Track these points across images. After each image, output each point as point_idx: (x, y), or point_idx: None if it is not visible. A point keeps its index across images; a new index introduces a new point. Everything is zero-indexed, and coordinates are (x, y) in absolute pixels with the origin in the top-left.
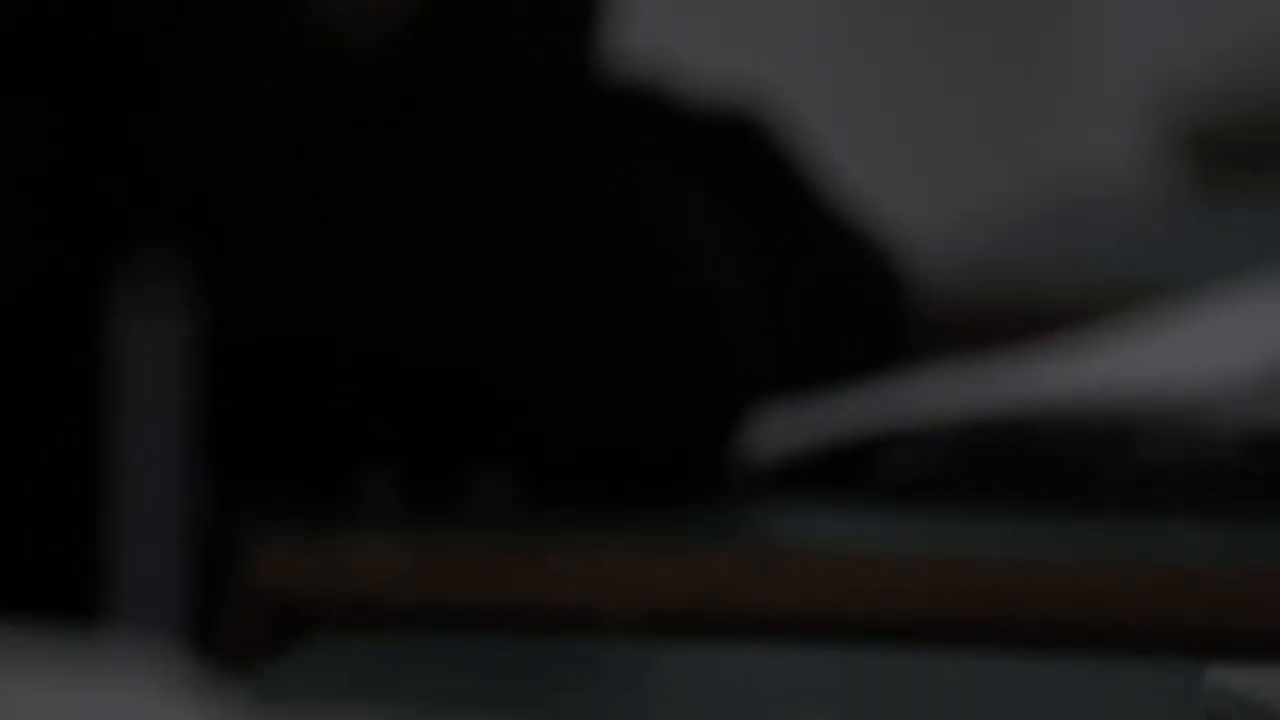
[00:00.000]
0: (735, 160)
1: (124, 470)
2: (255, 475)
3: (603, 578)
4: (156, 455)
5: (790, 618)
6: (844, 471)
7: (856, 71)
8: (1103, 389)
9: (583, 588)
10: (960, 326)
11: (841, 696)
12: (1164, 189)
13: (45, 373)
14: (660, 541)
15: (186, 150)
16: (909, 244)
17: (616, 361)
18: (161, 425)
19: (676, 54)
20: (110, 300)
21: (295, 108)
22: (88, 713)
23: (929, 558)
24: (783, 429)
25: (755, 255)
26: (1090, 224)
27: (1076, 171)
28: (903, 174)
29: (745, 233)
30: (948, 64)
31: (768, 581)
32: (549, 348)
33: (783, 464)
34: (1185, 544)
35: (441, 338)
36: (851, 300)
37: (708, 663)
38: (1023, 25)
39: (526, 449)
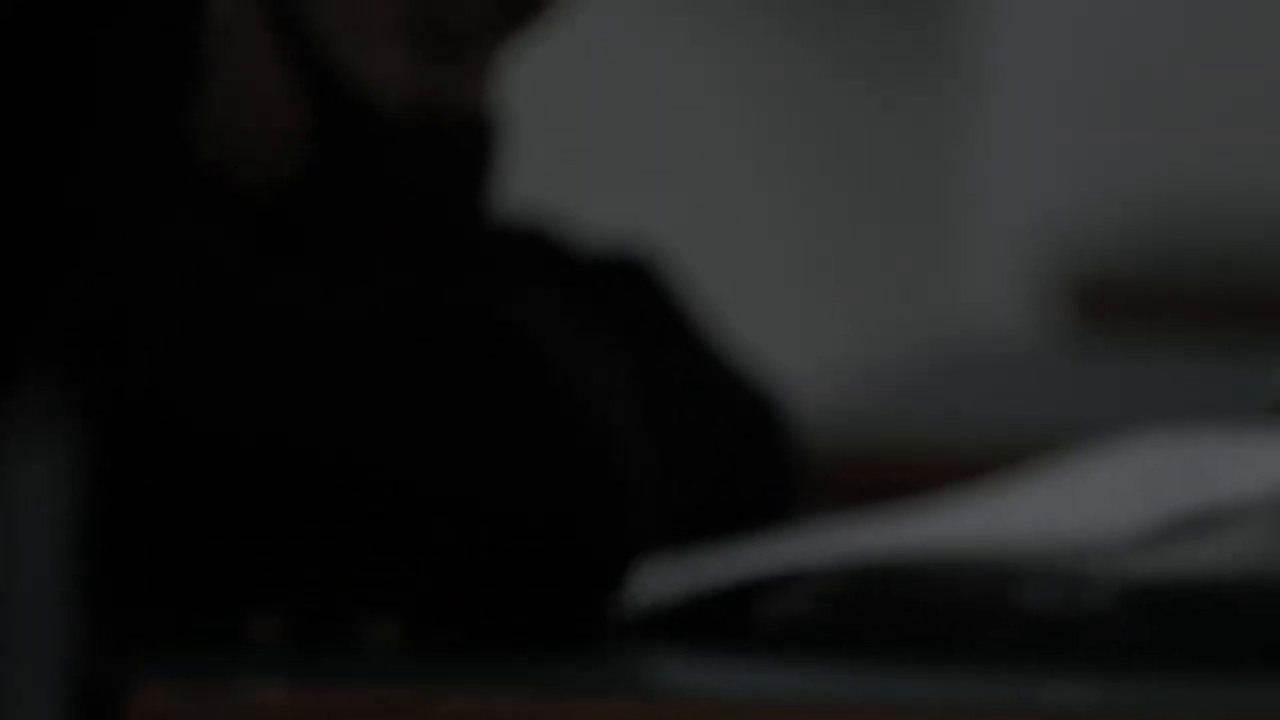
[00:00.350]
0: (622, 300)
1: (5, 613)
2: (143, 617)
3: None
4: (39, 597)
5: None
6: (726, 619)
7: (744, 218)
8: (981, 537)
9: None
10: (842, 475)
11: None
12: (1045, 336)
13: None
14: (551, 686)
15: (88, 281)
16: (793, 391)
17: (506, 503)
18: (45, 567)
19: (567, 196)
20: None
21: (193, 237)
22: None
23: (806, 705)
24: (666, 575)
25: (641, 398)
26: (972, 373)
27: (961, 320)
28: (787, 323)
29: (632, 374)
30: (834, 211)
31: None
32: (437, 489)
33: (667, 610)
34: (1061, 694)
35: (329, 480)
36: (735, 444)
37: None
38: (908, 177)
39: (415, 591)
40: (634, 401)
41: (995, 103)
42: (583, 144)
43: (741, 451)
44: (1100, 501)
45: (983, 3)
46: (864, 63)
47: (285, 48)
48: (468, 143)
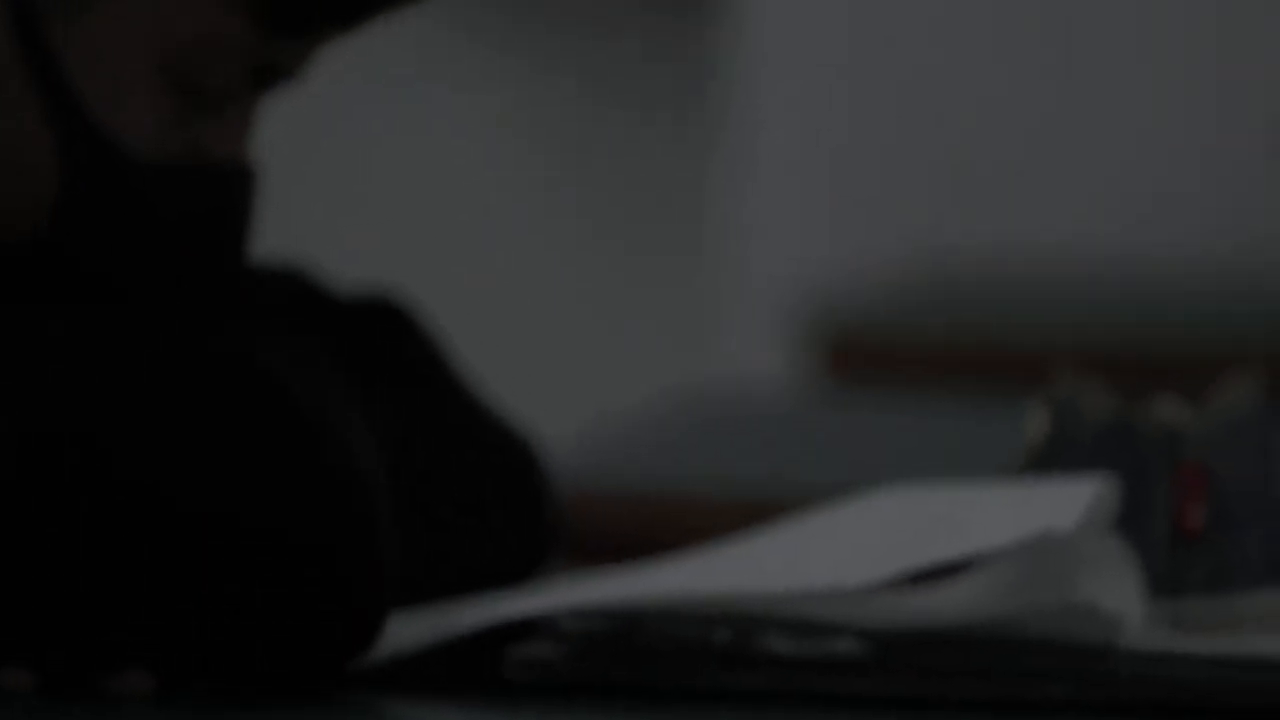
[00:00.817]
0: (378, 343)
1: None
2: None
3: None
4: None
5: None
6: (476, 666)
7: (502, 269)
8: (729, 584)
9: None
10: (595, 526)
11: None
12: (800, 389)
13: None
14: None
15: None
16: (548, 443)
17: (256, 553)
18: None
19: (320, 243)
20: None
21: None
22: None
23: None
24: (417, 623)
25: (396, 443)
26: (727, 426)
27: (717, 375)
28: (543, 375)
29: (387, 418)
30: (593, 269)
31: None
32: (187, 538)
33: (417, 658)
34: None
35: (79, 530)
36: (495, 491)
37: None
38: (667, 229)
39: (166, 643)
40: (385, 450)
41: (755, 161)
42: (334, 191)
43: (501, 498)
44: (846, 551)
45: (745, 60)
46: (626, 116)
47: (41, 98)
48: (224, 190)
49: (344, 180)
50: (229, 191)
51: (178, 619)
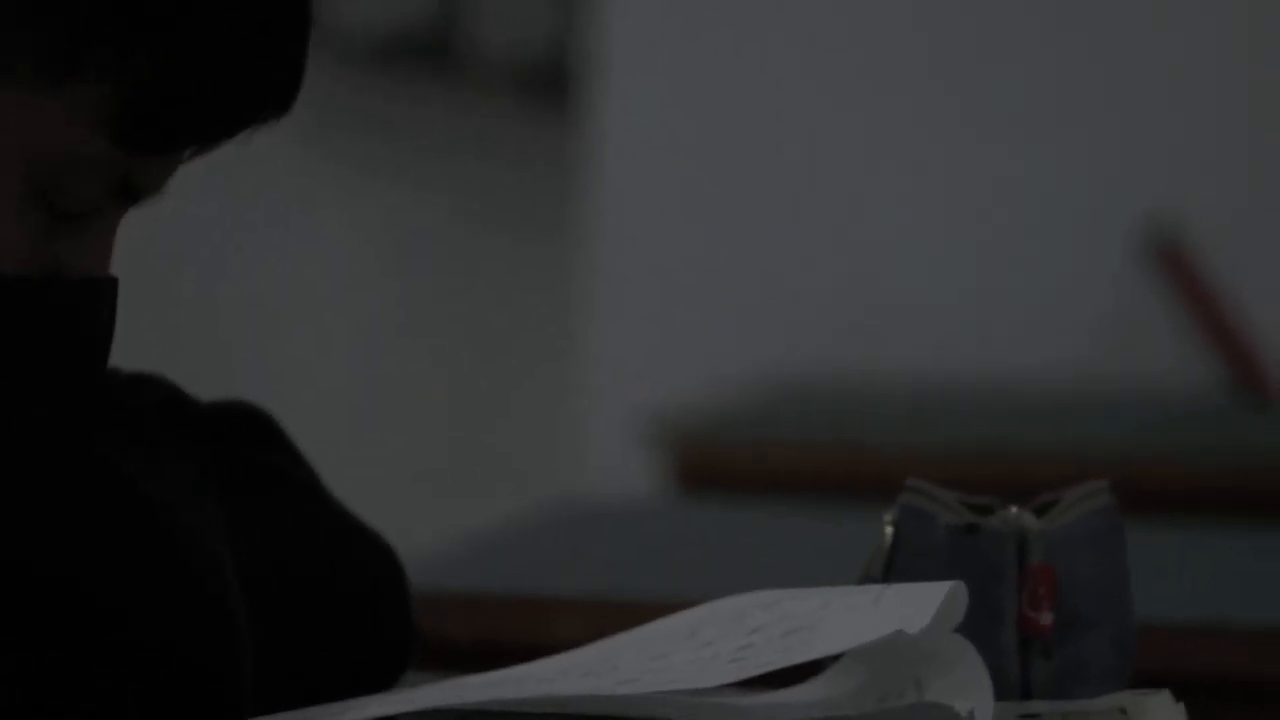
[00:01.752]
0: (240, 449)
1: None
2: None
3: None
4: None
5: None
6: None
7: (362, 377)
8: (580, 685)
9: None
10: (457, 630)
11: None
12: (658, 501)
13: None
14: None
15: None
16: (412, 556)
17: (116, 665)
18: None
19: (181, 357)
20: None
21: None
22: None
23: None
24: None
25: (263, 546)
26: (585, 535)
27: (576, 489)
28: (405, 496)
29: (254, 522)
30: (457, 387)
31: None
32: (55, 650)
33: None
34: None
35: None
36: (363, 594)
37: None
38: (526, 357)
39: None
40: (249, 555)
41: (615, 281)
42: (195, 306)
43: (366, 602)
44: (700, 653)
45: (604, 185)
46: (490, 239)
47: None
48: (82, 301)
49: (204, 295)
50: (89, 303)
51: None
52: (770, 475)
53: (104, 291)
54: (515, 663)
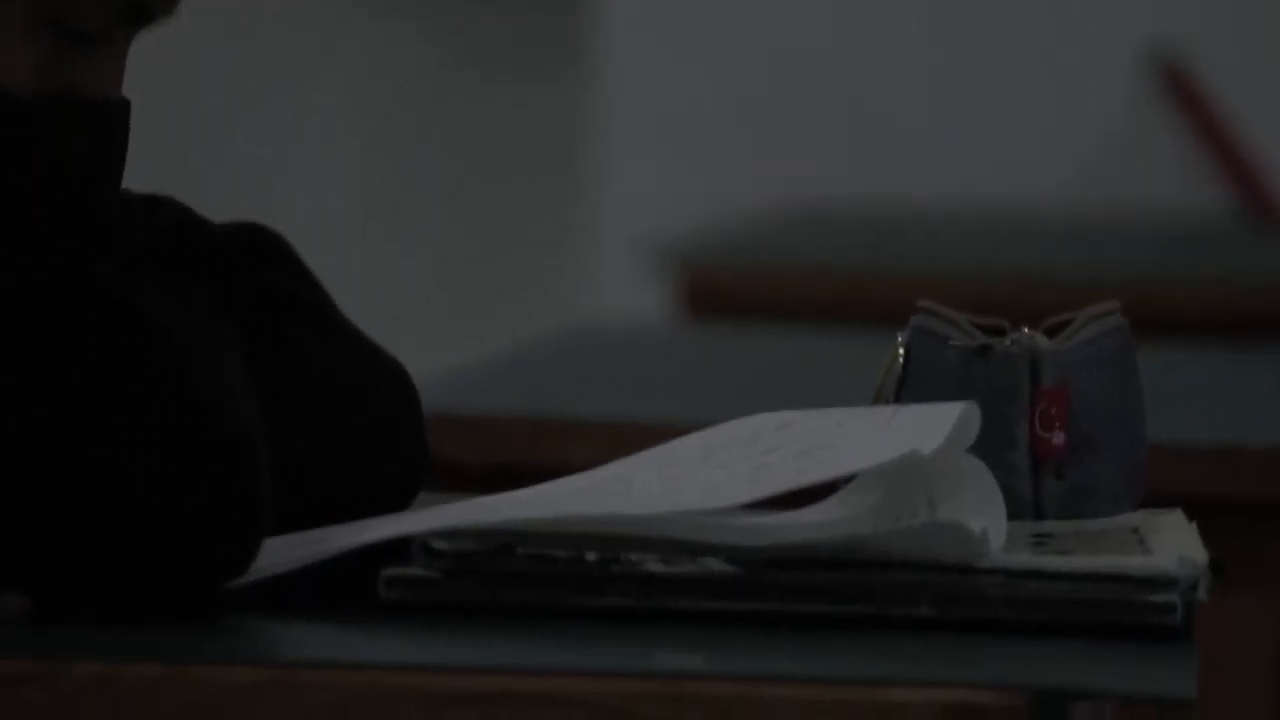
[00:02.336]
0: (254, 269)
1: None
2: None
3: (124, 694)
4: None
5: None
6: (347, 586)
7: (369, 212)
8: (598, 507)
9: (108, 702)
10: (465, 452)
11: None
12: (664, 328)
13: None
14: (176, 655)
15: None
16: (422, 382)
17: (132, 486)
18: None
19: (190, 190)
20: None
21: None
22: None
23: (413, 669)
24: (289, 546)
25: (278, 366)
26: (596, 360)
27: (586, 318)
28: (411, 317)
29: (268, 342)
30: (466, 222)
31: (280, 694)
32: (63, 472)
33: (288, 579)
34: (671, 660)
35: None
36: (379, 413)
37: None
38: (534, 176)
39: (42, 569)
40: (264, 375)
41: (621, 109)
42: (207, 133)
43: (380, 422)
44: (714, 474)
45: (611, 6)
46: (499, 71)
47: None
48: (95, 122)
49: (213, 121)
50: (102, 123)
51: (51, 544)
52: (779, 301)
53: (116, 112)
54: (528, 484)
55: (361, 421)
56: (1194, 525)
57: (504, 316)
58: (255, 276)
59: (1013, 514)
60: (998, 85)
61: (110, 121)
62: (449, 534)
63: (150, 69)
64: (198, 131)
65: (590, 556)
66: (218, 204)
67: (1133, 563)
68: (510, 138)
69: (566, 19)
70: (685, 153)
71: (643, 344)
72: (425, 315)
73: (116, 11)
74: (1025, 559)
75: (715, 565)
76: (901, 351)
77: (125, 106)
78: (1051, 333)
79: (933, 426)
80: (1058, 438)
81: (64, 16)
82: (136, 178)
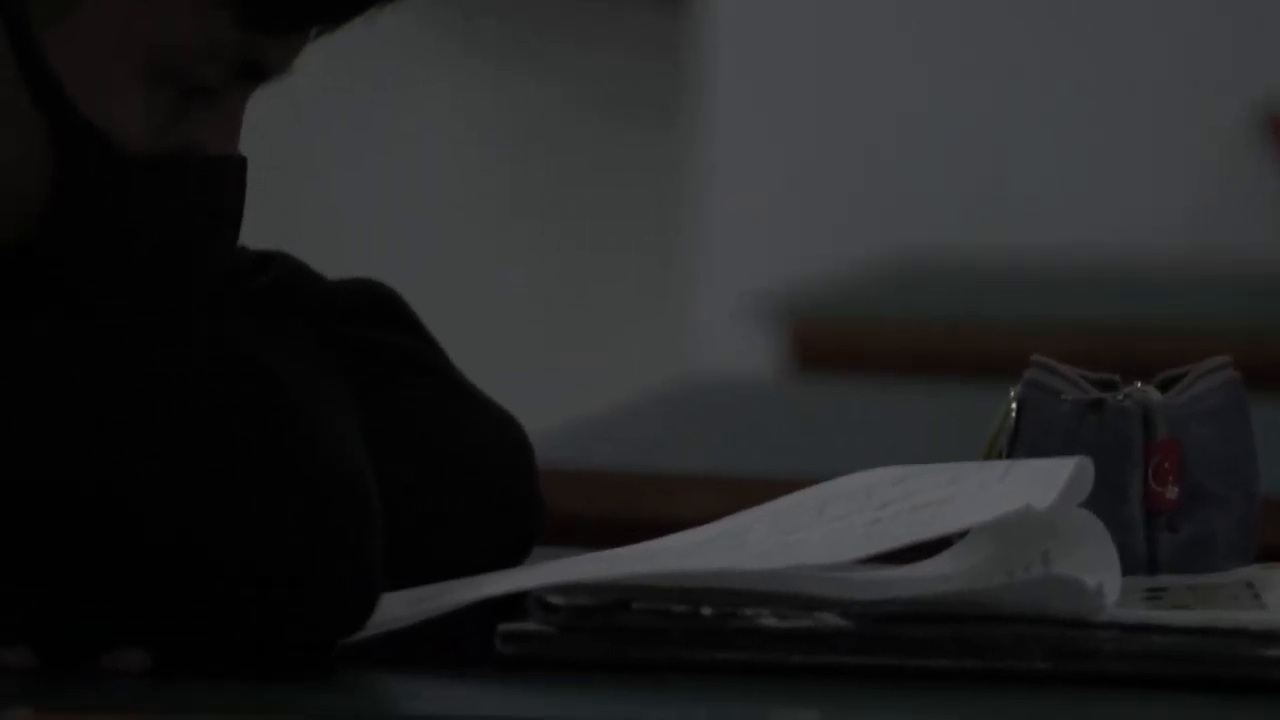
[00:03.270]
0: (368, 326)
1: None
2: None
3: None
4: None
5: None
6: (464, 642)
7: (476, 262)
8: (715, 562)
9: None
10: (581, 509)
11: None
12: (774, 381)
13: None
14: (294, 713)
15: None
16: (535, 436)
17: (250, 540)
18: None
19: (299, 241)
20: None
21: None
22: None
23: None
24: (407, 602)
25: (393, 424)
26: (706, 414)
27: (698, 366)
28: (521, 380)
29: (384, 400)
30: (570, 271)
31: None
32: (182, 525)
33: (406, 635)
34: (786, 716)
35: (77, 512)
36: (494, 469)
37: None
38: (640, 239)
39: (161, 624)
40: (380, 432)
41: (727, 160)
42: (309, 183)
43: (496, 478)
44: (828, 528)
45: (716, 59)
46: (602, 120)
47: (33, 92)
48: (212, 180)
49: (318, 180)
50: (219, 182)
51: (173, 601)
52: (887, 354)
53: (233, 170)
54: (642, 539)
55: (478, 477)
56: None
57: (610, 369)
58: (370, 333)
59: (1127, 568)
60: (1105, 136)
61: (224, 179)
62: (565, 589)
63: (249, 119)
64: (300, 181)
65: (706, 611)
66: (323, 257)
67: (1247, 617)
68: (614, 188)
69: (672, 66)
70: (791, 204)
71: (751, 397)
72: (531, 367)
73: (233, 67)
74: (1140, 613)
75: (830, 620)
76: (1014, 406)
77: (240, 164)
78: (1163, 386)
79: (1047, 481)
80: (1171, 491)
81: (180, 71)
82: (248, 231)
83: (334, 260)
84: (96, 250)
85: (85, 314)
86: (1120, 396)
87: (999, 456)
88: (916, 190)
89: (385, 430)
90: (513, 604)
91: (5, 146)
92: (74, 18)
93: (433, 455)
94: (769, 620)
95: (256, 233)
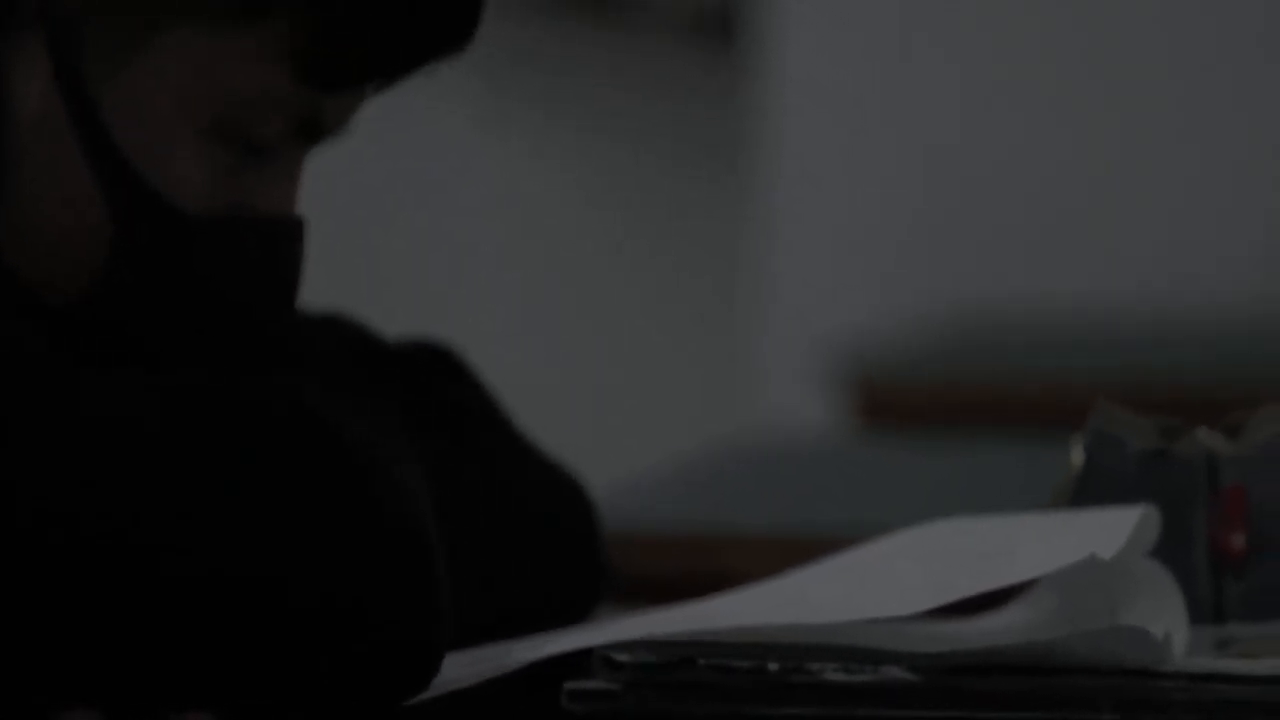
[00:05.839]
0: (429, 386)
1: None
2: None
3: None
4: None
5: None
6: (529, 701)
7: (541, 320)
8: (781, 616)
9: None
10: (643, 568)
11: None
12: (838, 436)
13: None
14: None
15: None
16: (596, 494)
17: (313, 594)
18: None
19: (366, 296)
20: None
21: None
22: None
23: None
24: (471, 661)
25: (454, 484)
26: (767, 470)
27: (753, 424)
28: (582, 426)
29: (445, 461)
30: (629, 323)
31: None
32: (246, 581)
33: (471, 693)
34: None
35: (143, 571)
36: (549, 529)
37: None
38: (701, 292)
39: (228, 682)
40: (442, 492)
41: (788, 212)
42: (382, 242)
43: (558, 538)
44: (893, 581)
45: (778, 111)
46: (662, 171)
47: (89, 150)
48: (273, 241)
49: (379, 236)
50: (278, 242)
51: (241, 659)
52: (951, 407)
53: (292, 231)
54: (700, 596)
55: (541, 536)
56: None
57: (671, 424)
58: (432, 393)
59: (1193, 616)
60: (1167, 184)
61: (282, 240)
62: (630, 646)
63: (318, 179)
64: (357, 240)
65: (771, 666)
66: (387, 315)
67: None
68: (676, 239)
69: (736, 116)
70: (854, 256)
71: (813, 452)
72: (591, 422)
73: (291, 126)
74: (1208, 662)
75: (896, 673)
76: (1079, 456)
77: (299, 225)
78: (1228, 433)
79: (1112, 531)
80: (1237, 539)
81: (238, 129)
82: (309, 292)
83: (401, 316)
84: (155, 309)
85: (142, 372)
86: (1185, 444)
87: (1065, 505)
88: (981, 240)
89: (449, 488)
90: (578, 661)
91: (61, 207)
92: (126, 74)
93: (496, 513)
94: (835, 675)
95: (323, 291)
